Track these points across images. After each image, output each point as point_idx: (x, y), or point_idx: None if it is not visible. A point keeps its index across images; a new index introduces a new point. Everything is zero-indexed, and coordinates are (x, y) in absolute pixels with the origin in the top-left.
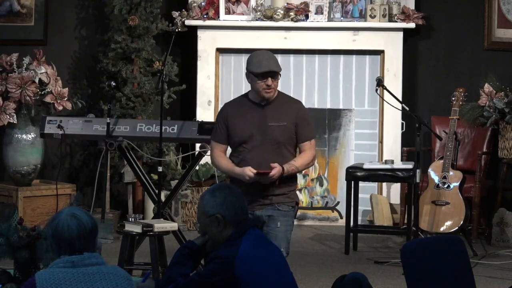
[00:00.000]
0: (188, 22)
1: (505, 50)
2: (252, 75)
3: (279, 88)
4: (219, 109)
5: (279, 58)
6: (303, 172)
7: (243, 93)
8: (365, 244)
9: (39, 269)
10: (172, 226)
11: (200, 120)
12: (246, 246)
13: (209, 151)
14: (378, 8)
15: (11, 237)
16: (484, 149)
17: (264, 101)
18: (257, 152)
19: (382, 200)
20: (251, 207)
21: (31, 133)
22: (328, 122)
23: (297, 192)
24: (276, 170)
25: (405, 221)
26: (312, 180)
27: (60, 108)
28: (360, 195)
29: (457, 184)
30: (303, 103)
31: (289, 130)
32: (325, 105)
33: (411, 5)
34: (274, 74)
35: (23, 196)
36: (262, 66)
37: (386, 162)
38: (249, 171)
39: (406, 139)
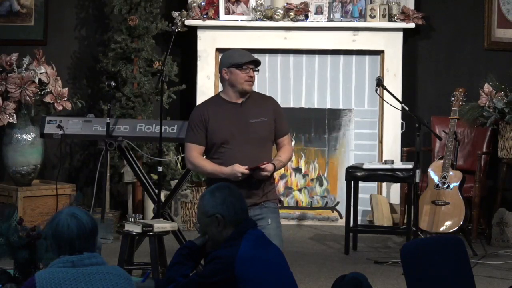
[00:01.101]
0: (188, 22)
1: (505, 50)
2: (233, 68)
3: (278, 89)
4: None
5: (279, 58)
6: (303, 171)
7: None
8: (365, 244)
9: (39, 269)
10: (172, 226)
11: None
12: (246, 246)
13: None
14: (378, 8)
15: (11, 237)
16: (484, 149)
17: (241, 98)
18: (240, 151)
19: (382, 200)
20: None
21: (31, 133)
22: (328, 122)
23: (297, 192)
24: (270, 167)
25: (405, 221)
26: (312, 180)
27: (60, 108)
28: (360, 195)
29: (457, 184)
30: (303, 103)
31: (270, 125)
32: (325, 105)
33: (411, 5)
34: (257, 65)
35: (23, 196)
36: (245, 57)
37: (386, 162)
38: (239, 167)
39: (406, 139)
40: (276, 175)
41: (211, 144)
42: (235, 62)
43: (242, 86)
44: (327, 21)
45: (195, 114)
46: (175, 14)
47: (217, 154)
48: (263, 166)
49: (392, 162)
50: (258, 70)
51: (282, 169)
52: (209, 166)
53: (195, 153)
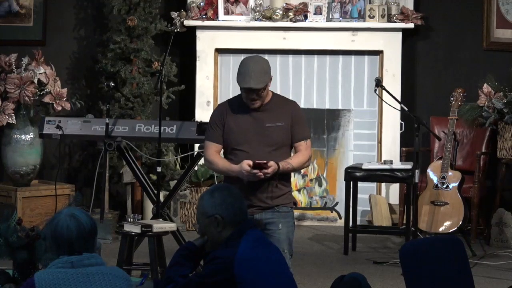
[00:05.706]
0: (187, 23)
1: (504, 51)
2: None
3: (277, 89)
4: None
5: (278, 58)
6: (302, 172)
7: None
8: (364, 245)
9: (38, 270)
10: (171, 226)
11: (198, 120)
12: (245, 246)
13: None
14: (377, 9)
15: (10, 237)
16: (483, 149)
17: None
18: (254, 154)
19: (381, 201)
20: (250, 211)
21: (30, 134)
22: (327, 122)
23: (296, 193)
24: (271, 169)
25: (404, 222)
26: (311, 180)
27: (59, 108)
28: (359, 196)
29: (456, 184)
30: (302, 103)
31: (286, 131)
32: (324, 105)
33: (410, 5)
34: (257, 90)
35: (22, 197)
36: (244, 82)
37: (385, 162)
38: (247, 165)
39: (405, 139)
40: None
41: (226, 144)
42: (237, 80)
43: (246, 102)
44: (326, 21)
45: (215, 113)
46: (174, 14)
47: (232, 155)
48: (264, 163)
49: (391, 162)
50: (268, 85)
51: None
52: (221, 163)
53: (212, 151)
